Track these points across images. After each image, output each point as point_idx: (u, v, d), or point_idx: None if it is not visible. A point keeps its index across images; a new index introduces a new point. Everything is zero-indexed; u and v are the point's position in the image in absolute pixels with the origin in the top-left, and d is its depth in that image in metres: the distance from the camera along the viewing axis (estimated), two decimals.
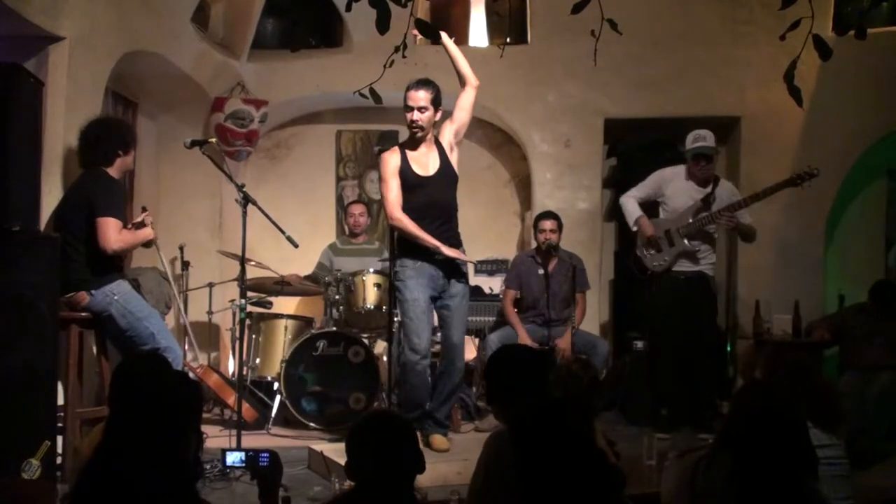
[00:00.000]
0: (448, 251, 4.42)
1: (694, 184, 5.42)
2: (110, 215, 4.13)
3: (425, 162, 4.51)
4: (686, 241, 5.34)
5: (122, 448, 1.96)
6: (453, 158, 4.57)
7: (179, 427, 2.04)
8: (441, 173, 4.52)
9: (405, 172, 4.48)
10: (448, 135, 4.57)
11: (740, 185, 6.00)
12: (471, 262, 4.77)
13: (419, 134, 4.47)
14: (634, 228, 5.58)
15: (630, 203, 5.59)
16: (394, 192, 4.47)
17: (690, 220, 5.34)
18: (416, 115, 4.42)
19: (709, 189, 5.39)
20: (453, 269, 4.53)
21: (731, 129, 6.94)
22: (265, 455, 2.57)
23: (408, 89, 4.45)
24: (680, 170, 5.50)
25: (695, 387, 5.30)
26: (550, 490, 1.90)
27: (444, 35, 4.45)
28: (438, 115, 4.51)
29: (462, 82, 4.53)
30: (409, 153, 4.52)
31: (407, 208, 4.46)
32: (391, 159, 4.50)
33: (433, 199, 4.50)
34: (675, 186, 5.47)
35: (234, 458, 2.63)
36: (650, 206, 5.61)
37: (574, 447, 1.97)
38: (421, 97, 4.41)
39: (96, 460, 1.99)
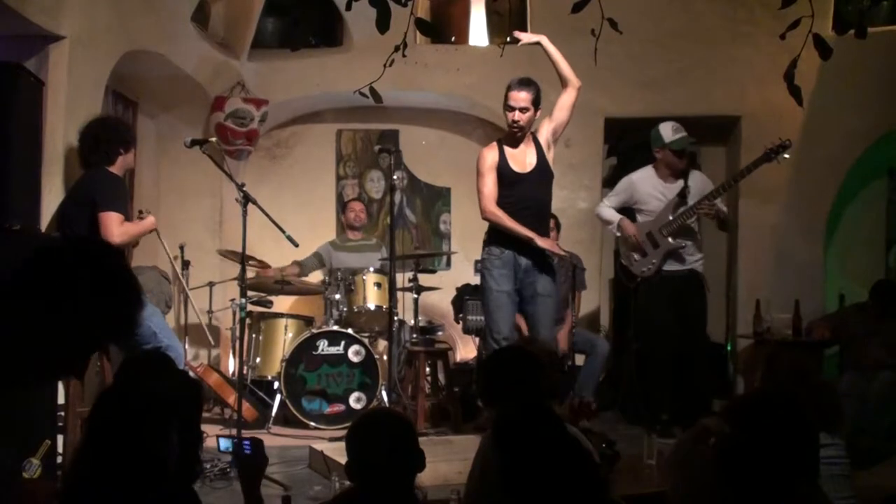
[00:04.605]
0: (541, 241, 4.48)
1: (663, 181, 5.37)
2: (112, 209, 4.13)
3: (522, 159, 4.57)
4: (671, 240, 5.29)
5: (120, 446, 1.96)
6: (550, 156, 4.63)
7: (179, 426, 2.04)
8: (537, 170, 4.57)
9: (502, 169, 4.54)
10: (546, 133, 4.62)
11: (741, 184, 6.00)
12: (563, 254, 4.77)
13: (519, 133, 4.51)
14: (617, 234, 5.51)
15: (606, 210, 5.52)
16: (489, 186, 4.54)
17: (671, 218, 5.30)
18: (517, 115, 4.47)
19: (681, 183, 5.34)
20: (542, 264, 4.57)
21: (731, 128, 6.94)
22: (247, 442, 2.54)
23: (509, 89, 4.48)
24: (647, 171, 5.46)
25: (689, 388, 5.23)
26: (532, 491, 1.88)
27: (543, 39, 4.49)
28: (538, 115, 4.54)
29: (563, 83, 4.56)
30: (508, 150, 4.57)
31: (503, 204, 4.52)
32: (489, 155, 4.57)
33: (528, 196, 4.56)
34: (645, 188, 5.42)
35: (227, 444, 2.65)
36: (628, 214, 5.53)
37: (555, 449, 1.95)
38: (522, 97, 4.45)
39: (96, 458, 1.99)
